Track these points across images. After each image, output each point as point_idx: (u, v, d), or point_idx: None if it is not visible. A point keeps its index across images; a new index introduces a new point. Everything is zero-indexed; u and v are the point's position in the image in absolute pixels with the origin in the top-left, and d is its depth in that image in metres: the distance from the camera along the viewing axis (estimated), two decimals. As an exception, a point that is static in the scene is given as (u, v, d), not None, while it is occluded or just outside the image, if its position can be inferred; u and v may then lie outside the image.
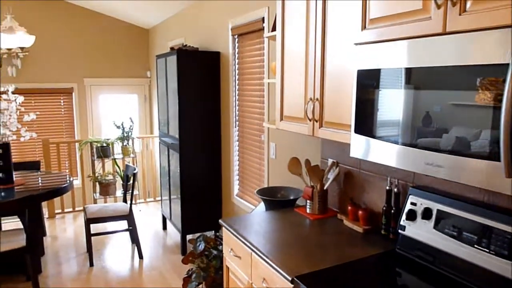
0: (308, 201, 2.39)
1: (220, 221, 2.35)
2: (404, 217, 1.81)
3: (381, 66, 1.52)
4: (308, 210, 2.40)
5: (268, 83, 3.16)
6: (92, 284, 3.59)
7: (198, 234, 4.20)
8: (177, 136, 4.04)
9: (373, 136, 1.58)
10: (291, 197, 2.70)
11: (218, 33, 4.09)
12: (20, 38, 3.46)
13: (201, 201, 4.19)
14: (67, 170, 5.91)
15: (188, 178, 4.09)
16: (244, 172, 3.83)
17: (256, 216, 2.43)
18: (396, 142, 1.47)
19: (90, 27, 6.36)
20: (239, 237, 2.09)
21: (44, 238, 4.63)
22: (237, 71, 3.79)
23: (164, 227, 4.97)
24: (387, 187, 1.99)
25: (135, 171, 4.11)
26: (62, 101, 6.47)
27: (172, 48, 4.16)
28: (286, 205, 2.59)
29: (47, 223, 5.18)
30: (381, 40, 1.52)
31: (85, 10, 6.27)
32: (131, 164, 4.50)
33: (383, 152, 1.53)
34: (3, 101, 3.54)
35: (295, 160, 2.49)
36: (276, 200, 2.59)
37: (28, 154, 6.15)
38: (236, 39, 3.73)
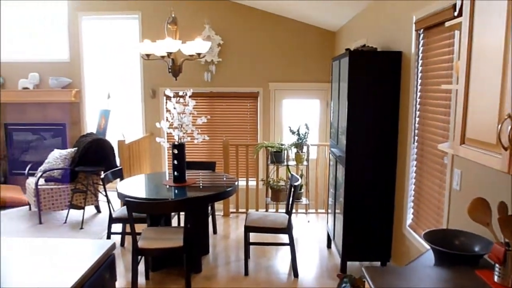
0: (497, 265, 1.62)
1: (363, 268, 1.81)
2: None
3: None
4: (496, 279, 1.63)
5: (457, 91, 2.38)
6: (242, 296, 3.48)
7: (356, 264, 3.67)
8: (344, 148, 3.57)
9: None
10: (475, 250, 1.93)
11: (400, 30, 3.43)
12: (197, 45, 3.58)
13: (367, 226, 3.60)
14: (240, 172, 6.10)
15: (353, 197, 3.57)
16: (421, 200, 3.08)
17: (416, 272, 1.79)
18: None
19: (277, 32, 6.43)
20: (379, 301, 1.53)
21: (214, 236, 4.83)
22: (419, 75, 3.07)
23: (329, 245, 4.56)
24: None
25: (296, 183, 3.82)
26: (248, 104, 6.75)
27: (347, 50, 3.70)
28: (464, 261, 1.85)
29: (221, 220, 5.43)
30: None
31: (273, 16, 6.37)
32: (295, 174, 4.24)
33: None
34: (180, 105, 3.74)
35: (480, 202, 1.72)
36: (450, 253, 1.87)
37: (215, 154, 6.63)
38: (421, 35, 3.01)
